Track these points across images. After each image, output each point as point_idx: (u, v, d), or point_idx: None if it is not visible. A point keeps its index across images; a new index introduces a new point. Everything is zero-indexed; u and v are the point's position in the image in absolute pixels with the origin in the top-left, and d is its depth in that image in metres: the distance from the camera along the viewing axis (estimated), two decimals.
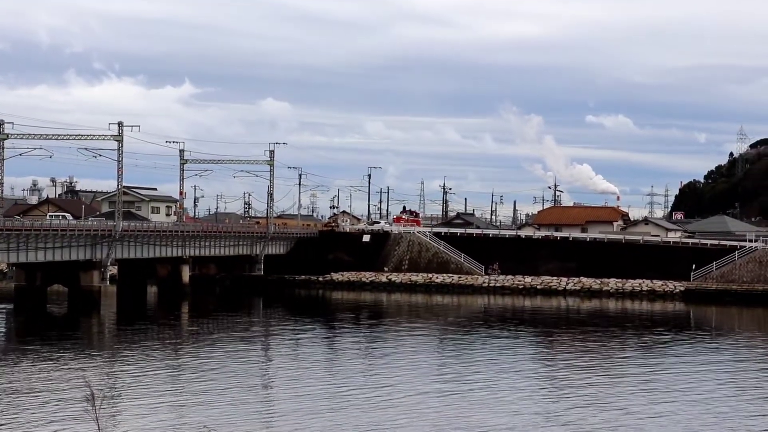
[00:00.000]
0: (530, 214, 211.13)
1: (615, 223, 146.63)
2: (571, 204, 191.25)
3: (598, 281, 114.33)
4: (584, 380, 53.25)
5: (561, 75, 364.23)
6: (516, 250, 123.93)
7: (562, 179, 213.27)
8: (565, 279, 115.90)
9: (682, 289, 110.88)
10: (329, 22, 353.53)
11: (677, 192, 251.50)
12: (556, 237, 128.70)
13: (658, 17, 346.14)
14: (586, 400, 46.99)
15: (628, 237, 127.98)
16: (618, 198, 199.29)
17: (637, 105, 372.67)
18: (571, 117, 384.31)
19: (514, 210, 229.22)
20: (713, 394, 49.59)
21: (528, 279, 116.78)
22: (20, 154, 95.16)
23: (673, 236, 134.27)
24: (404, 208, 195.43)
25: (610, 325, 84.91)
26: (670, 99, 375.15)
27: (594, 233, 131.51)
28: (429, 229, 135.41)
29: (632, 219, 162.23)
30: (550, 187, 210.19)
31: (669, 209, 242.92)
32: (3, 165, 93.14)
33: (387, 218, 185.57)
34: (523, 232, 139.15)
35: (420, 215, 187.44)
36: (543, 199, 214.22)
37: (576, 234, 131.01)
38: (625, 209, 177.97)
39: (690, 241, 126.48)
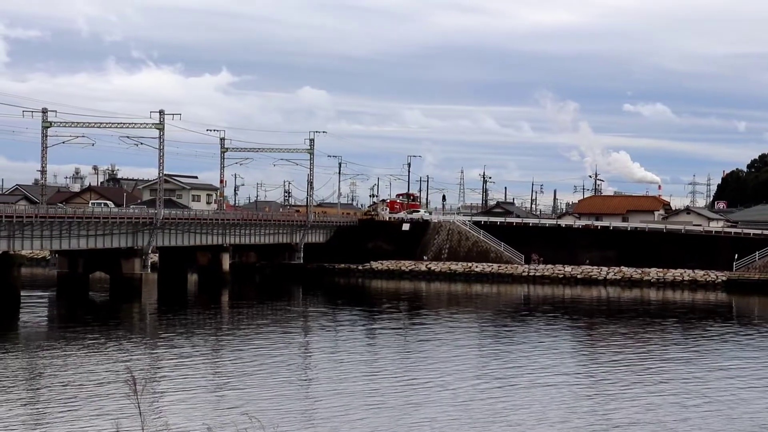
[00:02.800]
0: (571, 203, 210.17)
1: (656, 213, 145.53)
2: (612, 193, 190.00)
3: (639, 271, 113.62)
4: (626, 372, 52.92)
5: (598, 63, 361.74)
6: (556, 239, 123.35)
7: (599, 168, 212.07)
8: (605, 268, 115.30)
9: (724, 278, 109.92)
10: (365, 10, 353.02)
11: (719, 181, 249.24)
12: (597, 226, 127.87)
13: (695, 5, 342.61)
14: (627, 394, 46.71)
15: (669, 226, 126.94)
16: (660, 187, 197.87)
17: (675, 93, 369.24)
18: (608, 105, 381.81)
19: (555, 199, 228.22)
20: (756, 386, 49.08)
21: (568, 268, 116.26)
22: (63, 142, 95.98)
23: (716, 226, 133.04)
24: (394, 192, 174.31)
25: (651, 315, 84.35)
26: (709, 87, 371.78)
27: (635, 222, 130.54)
28: (469, 218, 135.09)
29: (674, 208, 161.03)
30: (590, 176, 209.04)
31: (711, 198, 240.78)
32: (46, 153, 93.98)
33: (426, 207, 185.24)
34: (563, 221, 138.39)
35: (417, 198, 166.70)
36: (583, 188, 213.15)
37: (617, 223, 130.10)
38: (666, 198, 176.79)
39: (732, 230, 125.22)
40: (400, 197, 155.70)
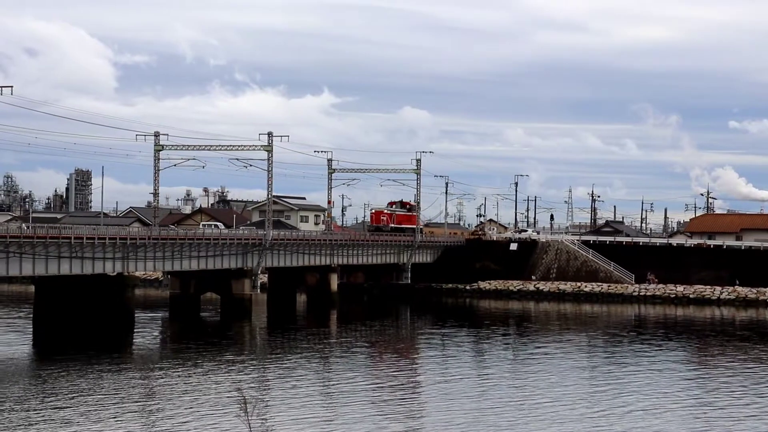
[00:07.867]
0: (682, 221, 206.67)
1: None
2: (725, 211, 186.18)
3: (754, 290, 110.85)
4: (741, 397, 51.66)
5: (699, 80, 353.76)
6: (667, 258, 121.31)
7: (706, 185, 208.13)
8: (718, 288, 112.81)
9: None
10: (463, 30, 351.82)
11: None
12: (709, 245, 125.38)
13: None
14: (739, 421, 45.60)
15: None
16: None
17: None
18: (713, 122, 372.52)
19: (665, 217, 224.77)
20: None
21: (680, 288, 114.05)
22: (174, 165, 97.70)
23: None
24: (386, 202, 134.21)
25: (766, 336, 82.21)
26: None
27: (749, 241, 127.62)
28: (577, 237, 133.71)
29: None
30: (701, 194, 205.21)
31: None
32: (158, 175, 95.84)
33: (534, 226, 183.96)
34: (675, 240, 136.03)
35: (414, 208, 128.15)
36: (695, 207, 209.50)
37: (730, 242, 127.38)
38: None
39: None
40: (392, 206, 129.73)
